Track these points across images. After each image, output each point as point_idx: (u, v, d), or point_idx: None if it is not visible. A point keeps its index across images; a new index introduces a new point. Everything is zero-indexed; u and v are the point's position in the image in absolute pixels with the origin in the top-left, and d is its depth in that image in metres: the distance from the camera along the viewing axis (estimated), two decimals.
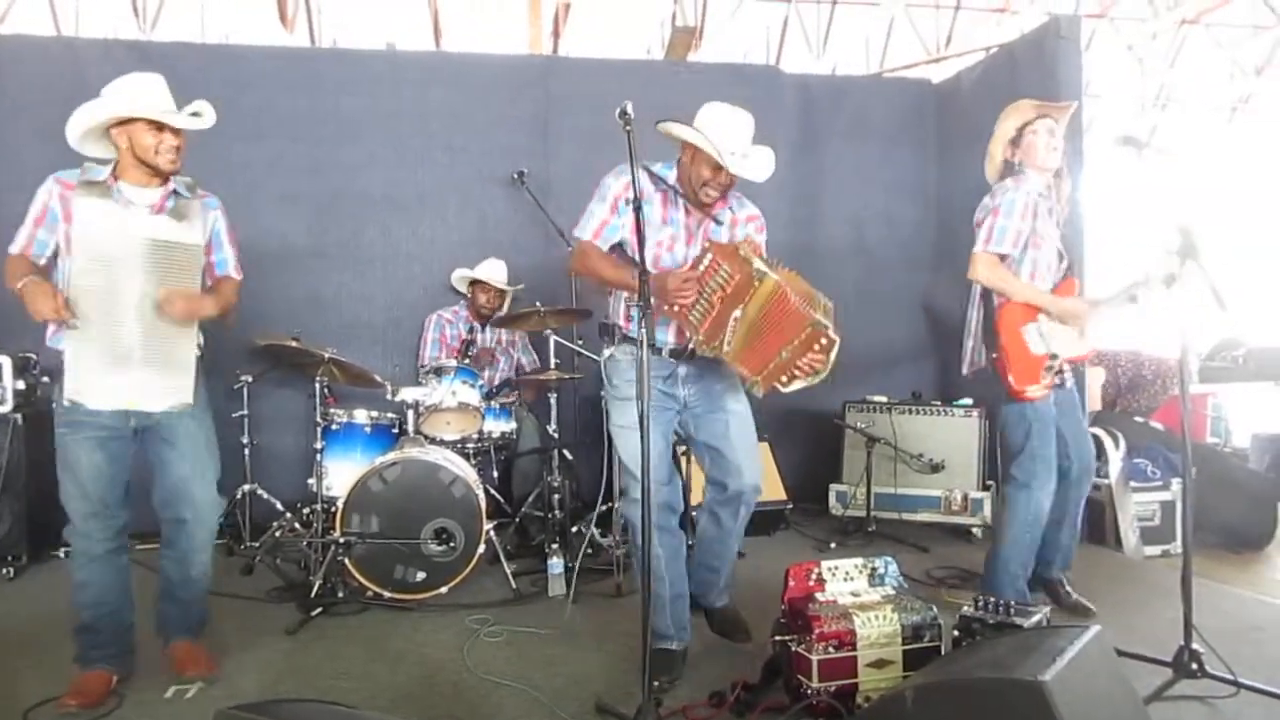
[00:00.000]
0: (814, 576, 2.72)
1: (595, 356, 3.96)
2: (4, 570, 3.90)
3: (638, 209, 2.36)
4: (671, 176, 2.78)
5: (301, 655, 3.03)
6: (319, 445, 3.85)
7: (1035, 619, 2.51)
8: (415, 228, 5.00)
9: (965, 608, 2.60)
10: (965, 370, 3.39)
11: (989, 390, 3.28)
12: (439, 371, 4.07)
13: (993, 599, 2.58)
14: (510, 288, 4.75)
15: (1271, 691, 2.54)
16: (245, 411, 4.36)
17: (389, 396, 4.00)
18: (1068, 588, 3.45)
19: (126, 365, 2.57)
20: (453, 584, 3.55)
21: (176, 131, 2.62)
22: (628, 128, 2.30)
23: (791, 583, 2.69)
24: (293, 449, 4.70)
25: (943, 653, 2.56)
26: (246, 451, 4.38)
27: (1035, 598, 3.29)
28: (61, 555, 4.03)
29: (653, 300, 2.39)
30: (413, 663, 2.97)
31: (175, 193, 2.70)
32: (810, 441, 5.16)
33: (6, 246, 2.64)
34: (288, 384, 4.63)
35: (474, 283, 4.76)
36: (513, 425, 4.39)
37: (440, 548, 3.55)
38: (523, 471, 4.54)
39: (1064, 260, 3.28)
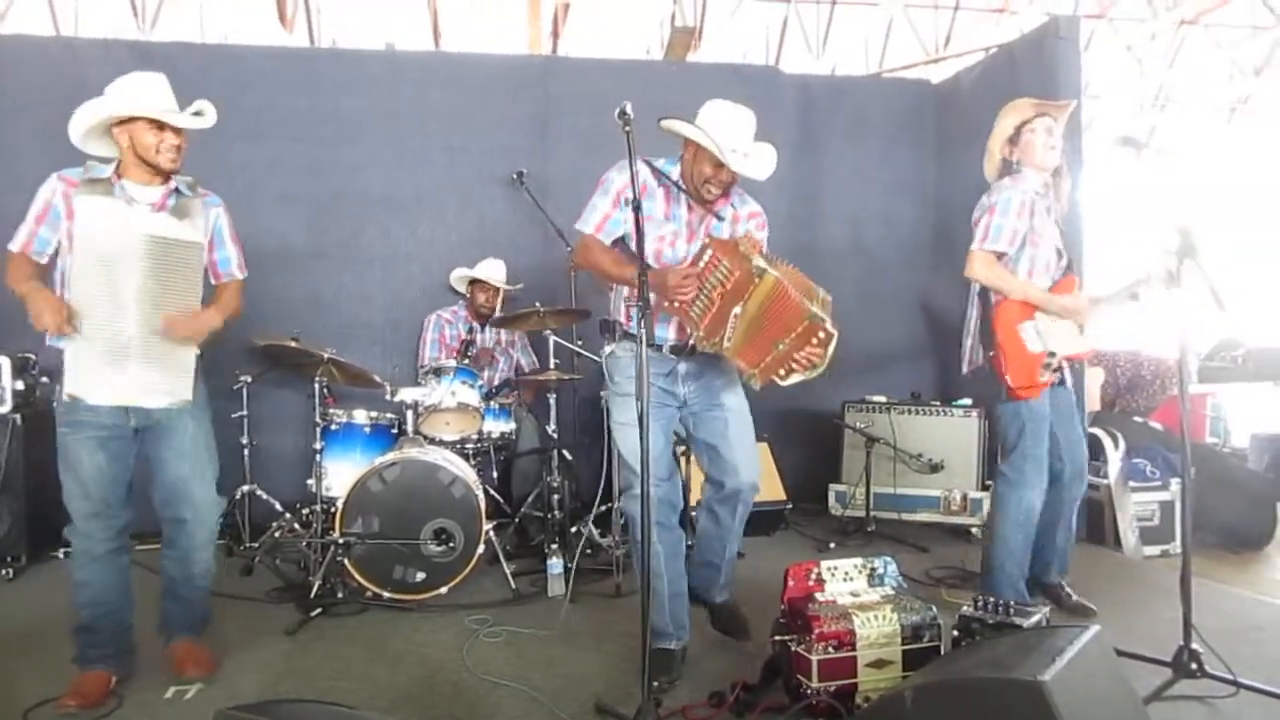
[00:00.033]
0: (813, 576, 2.72)
1: (595, 357, 3.98)
2: (3, 571, 3.90)
3: (637, 209, 2.37)
4: (675, 173, 2.78)
5: (301, 656, 3.03)
6: (318, 446, 3.85)
7: (1035, 619, 2.51)
8: (414, 228, 5.00)
9: (964, 608, 2.60)
10: (965, 369, 3.39)
11: (987, 389, 3.28)
12: (438, 372, 4.07)
13: (992, 599, 2.59)
14: (509, 287, 4.75)
15: (1271, 691, 2.54)
16: (244, 412, 4.36)
17: (388, 397, 3.99)
18: (1068, 590, 3.45)
19: (126, 362, 2.58)
20: (452, 584, 3.54)
21: (177, 131, 2.63)
22: (627, 128, 2.30)
23: (791, 583, 2.69)
24: (292, 449, 4.70)
25: (942, 653, 2.56)
26: (246, 452, 4.38)
27: (1036, 601, 3.29)
28: (61, 556, 4.03)
29: (654, 296, 2.39)
30: (412, 663, 2.97)
31: (177, 191, 2.71)
32: (810, 441, 5.16)
33: (4, 244, 2.64)
34: (287, 384, 4.62)
35: (473, 282, 4.76)
36: (512, 425, 4.39)
37: (440, 548, 3.55)
38: (522, 472, 4.54)
39: (1063, 258, 3.28)
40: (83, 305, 2.53)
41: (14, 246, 2.61)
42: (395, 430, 4.13)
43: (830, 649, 2.47)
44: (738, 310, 2.56)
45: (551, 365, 4.13)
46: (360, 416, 4.09)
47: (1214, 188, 11.27)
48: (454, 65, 5.42)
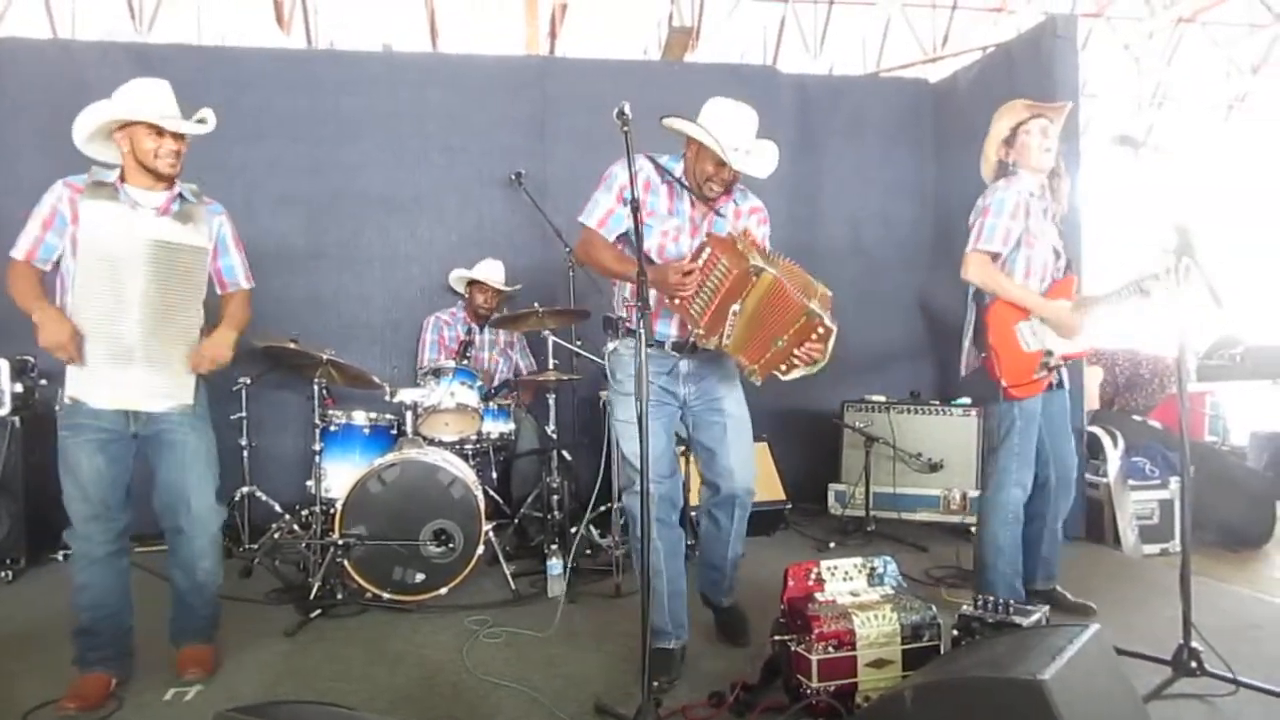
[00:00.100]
0: (813, 576, 2.72)
1: (594, 357, 3.98)
2: (2, 573, 3.89)
3: (635, 209, 2.37)
4: (678, 169, 2.79)
5: (300, 657, 3.03)
6: (317, 447, 3.85)
7: (1034, 618, 2.50)
8: (413, 228, 5.00)
9: (964, 607, 2.60)
10: (963, 372, 3.37)
11: (984, 390, 3.27)
12: (437, 373, 4.07)
13: (991, 598, 2.59)
14: (508, 289, 4.75)
15: (1270, 690, 2.54)
16: (244, 413, 4.35)
17: (387, 398, 3.99)
18: (1061, 590, 3.44)
19: (128, 365, 2.58)
20: (452, 585, 3.54)
21: (177, 136, 2.63)
22: (625, 128, 2.30)
23: (791, 582, 2.69)
24: (291, 451, 4.70)
25: (942, 652, 2.56)
26: (245, 453, 4.37)
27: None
28: (60, 558, 4.03)
29: (655, 293, 2.39)
30: (412, 664, 2.97)
31: (181, 197, 2.72)
32: (809, 441, 5.16)
33: (2, 247, 2.64)
34: (286, 385, 4.62)
35: (471, 283, 4.76)
36: (511, 426, 4.39)
37: (439, 549, 3.55)
38: (521, 472, 4.53)
39: (1061, 259, 3.27)
40: (86, 309, 2.54)
41: (17, 254, 2.60)
42: (394, 431, 4.12)
43: (830, 649, 2.47)
44: (736, 308, 2.58)
45: (550, 365, 4.13)
46: (359, 417, 4.08)
47: (1212, 186, 11.27)
48: (452, 66, 5.42)
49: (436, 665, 2.95)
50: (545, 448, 4.30)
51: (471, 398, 4.04)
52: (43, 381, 4.07)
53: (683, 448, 3.35)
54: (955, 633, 2.56)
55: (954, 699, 2.02)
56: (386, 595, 3.49)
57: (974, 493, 4.64)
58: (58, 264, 2.64)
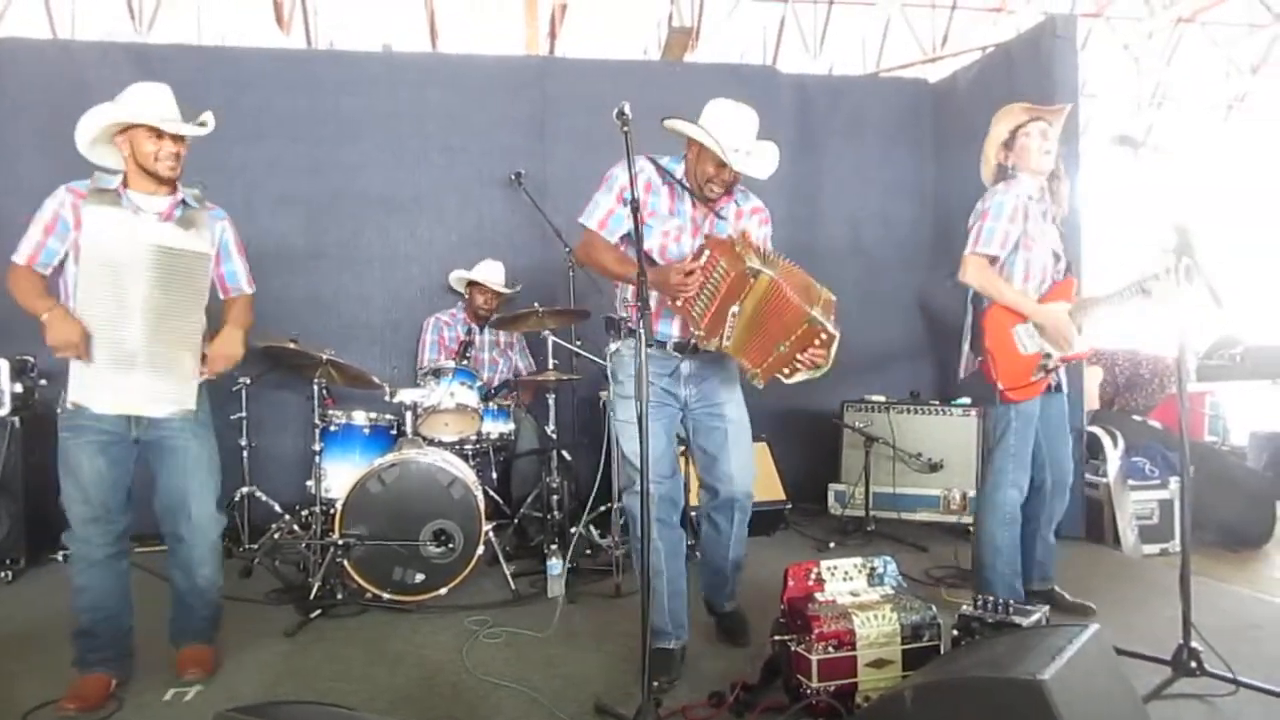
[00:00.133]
0: (813, 576, 2.72)
1: (594, 357, 3.98)
2: (2, 574, 3.89)
3: (635, 210, 2.37)
4: (679, 170, 2.80)
5: (300, 657, 3.03)
6: (317, 447, 3.85)
7: (1034, 618, 2.50)
8: (413, 229, 5.00)
9: (964, 607, 2.60)
10: (961, 374, 3.37)
11: (982, 393, 3.27)
12: (437, 373, 4.07)
13: (991, 598, 2.59)
14: (507, 290, 4.75)
15: (1270, 690, 2.54)
16: (244, 414, 4.35)
17: (387, 398, 3.99)
18: (1061, 591, 3.44)
19: (130, 370, 2.58)
20: (452, 585, 3.54)
21: (177, 138, 2.63)
22: (625, 128, 2.30)
23: (791, 582, 2.69)
24: (291, 451, 4.70)
25: (942, 652, 2.56)
26: (245, 454, 4.37)
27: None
28: (60, 559, 4.03)
29: (657, 294, 2.39)
30: (412, 664, 2.97)
31: (183, 202, 2.72)
32: (809, 441, 5.16)
33: (2, 248, 2.64)
34: (286, 386, 4.62)
35: (471, 284, 4.76)
36: (511, 426, 4.39)
37: (439, 549, 3.55)
38: (521, 473, 4.54)
39: (1061, 261, 3.27)
40: (89, 314, 2.54)
41: (19, 259, 2.60)
42: (394, 431, 4.12)
43: (830, 649, 2.47)
44: (735, 309, 2.58)
45: (550, 366, 4.13)
46: (359, 418, 4.08)
47: (1211, 186, 11.27)
48: (452, 66, 5.42)
49: (436, 665, 2.95)
50: (545, 448, 4.30)
51: (471, 398, 4.04)
52: (43, 382, 4.07)
53: (682, 448, 3.35)
54: (955, 633, 2.56)
55: (954, 699, 2.02)
56: (386, 595, 3.49)
57: (974, 493, 4.64)
58: (60, 269, 2.64)
